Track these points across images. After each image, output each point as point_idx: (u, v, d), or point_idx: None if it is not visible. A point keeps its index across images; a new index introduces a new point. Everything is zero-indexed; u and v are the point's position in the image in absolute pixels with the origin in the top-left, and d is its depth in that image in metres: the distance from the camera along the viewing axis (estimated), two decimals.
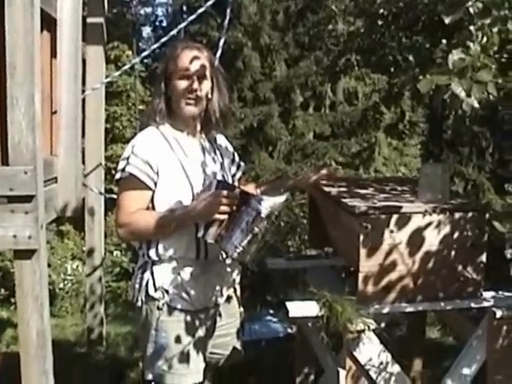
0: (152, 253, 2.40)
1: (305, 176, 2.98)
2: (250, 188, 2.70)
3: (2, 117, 2.58)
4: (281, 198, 2.30)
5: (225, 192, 2.26)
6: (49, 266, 7.04)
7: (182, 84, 2.40)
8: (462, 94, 1.86)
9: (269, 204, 2.24)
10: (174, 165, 2.39)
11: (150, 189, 2.36)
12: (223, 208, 2.24)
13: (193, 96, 2.40)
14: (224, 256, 2.43)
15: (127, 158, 2.37)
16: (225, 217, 2.26)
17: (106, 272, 6.22)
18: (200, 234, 2.31)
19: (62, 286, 6.91)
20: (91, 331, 4.32)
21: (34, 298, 2.53)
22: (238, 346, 2.69)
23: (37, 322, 2.54)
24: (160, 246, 2.38)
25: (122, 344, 5.13)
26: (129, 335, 5.35)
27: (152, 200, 2.38)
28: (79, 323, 6.03)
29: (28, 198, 2.51)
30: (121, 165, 2.39)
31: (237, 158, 2.71)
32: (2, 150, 2.60)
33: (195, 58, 2.41)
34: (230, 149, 2.70)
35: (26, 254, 2.52)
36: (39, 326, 2.54)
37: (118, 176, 2.40)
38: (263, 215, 2.23)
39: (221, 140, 2.65)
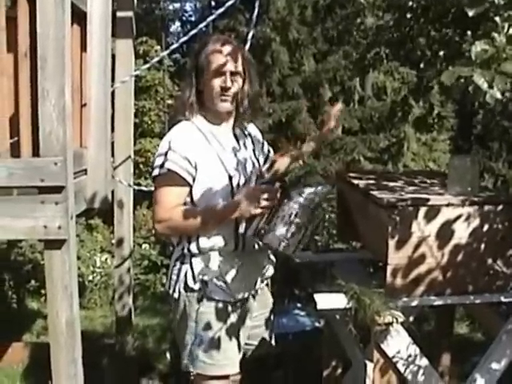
0: (193, 246, 2.41)
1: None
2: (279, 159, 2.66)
3: (34, 108, 2.61)
4: (322, 189, 2.29)
5: (264, 187, 2.28)
6: (78, 258, 7.09)
7: (217, 82, 2.39)
8: (485, 86, 1.82)
9: (310, 195, 2.24)
10: (212, 159, 2.39)
11: (189, 184, 2.36)
12: (264, 203, 2.24)
13: (228, 93, 2.40)
14: (268, 250, 2.46)
15: (165, 154, 2.35)
16: (267, 211, 2.26)
17: (134, 265, 6.27)
18: (241, 230, 2.34)
19: (91, 278, 6.97)
20: (119, 321, 4.35)
21: (64, 287, 2.56)
22: (269, 336, 2.69)
23: (66, 312, 2.57)
24: (201, 240, 2.39)
25: (150, 336, 5.18)
26: (157, 327, 5.40)
27: (191, 194, 2.38)
28: (108, 315, 6.09)
29: (58, 189, 2.53)
30: (158, 161, 2.37)
31: (265, 148, 2.71)
32: (33, 142, 2.63)
33: (228, 52, 2.40)
34: (260, 137, 2.70)
35: (56, 244, 2.55)
36: (68, 316, 2.57)
37: (156, 172, 2.38)
38: (305, 207, 2.23)
39: (251, 129, 2.65)
